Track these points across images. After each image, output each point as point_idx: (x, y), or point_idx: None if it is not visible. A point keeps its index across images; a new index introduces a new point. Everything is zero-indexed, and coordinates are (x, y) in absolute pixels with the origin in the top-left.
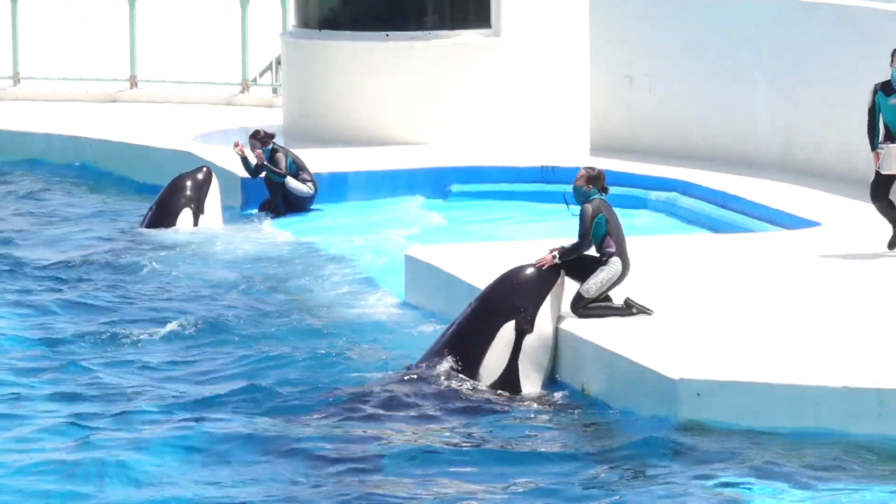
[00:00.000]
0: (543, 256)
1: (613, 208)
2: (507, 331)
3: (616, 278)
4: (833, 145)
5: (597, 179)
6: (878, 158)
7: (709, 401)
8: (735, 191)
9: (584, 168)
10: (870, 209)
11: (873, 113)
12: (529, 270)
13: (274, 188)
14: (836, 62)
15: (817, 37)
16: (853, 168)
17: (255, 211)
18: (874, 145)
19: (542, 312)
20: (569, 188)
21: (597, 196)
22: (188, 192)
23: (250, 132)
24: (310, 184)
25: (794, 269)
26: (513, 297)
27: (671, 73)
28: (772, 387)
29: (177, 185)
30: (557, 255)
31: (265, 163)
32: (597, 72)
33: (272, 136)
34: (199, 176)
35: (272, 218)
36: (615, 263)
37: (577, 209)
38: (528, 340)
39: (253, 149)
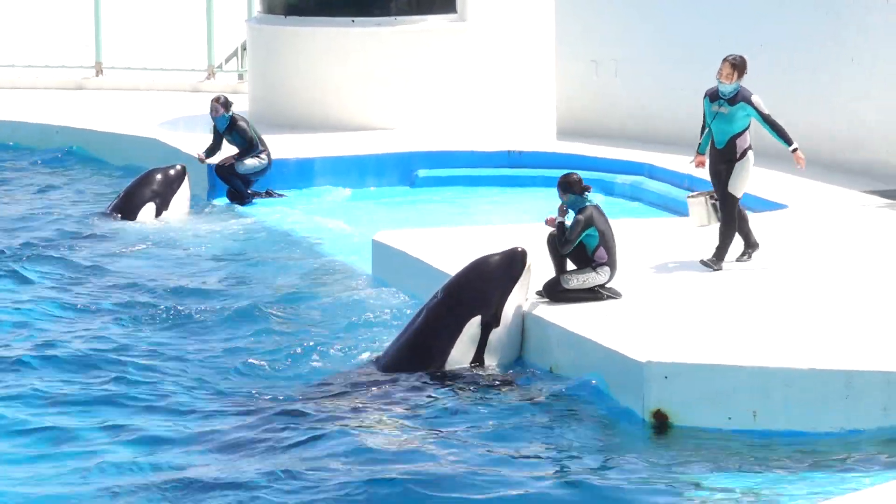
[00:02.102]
0: (552, 216)
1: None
2: (473, 325)
3: (598, 284)
4: (799, 128)
5: (572, 185)
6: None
7: (676, 383)
8: (702, 174)
9: (561, 178)
10: (836, 191)
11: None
12: (495, 261)
13: (228, 177)
14: (805, 45)
15: (786, 19)
16: (819, 151)
17: (226, 201)
18: (700, 149)
19: (507, 305)
20: (535, 173)
21: (588, 203)
22: (156, 187)
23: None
24: (262, 155)
25: (761, 252)
26: (478, 290)
27: (637, 57)
28: (739, 369)
29: (147, 178)
30: (557, 228)
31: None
32: (563, 56)
33: (231, 104)
34: (171, 173)
35: (240, 206)
36: (603, 273)
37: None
38: (495, 334)
39: (214, 112)
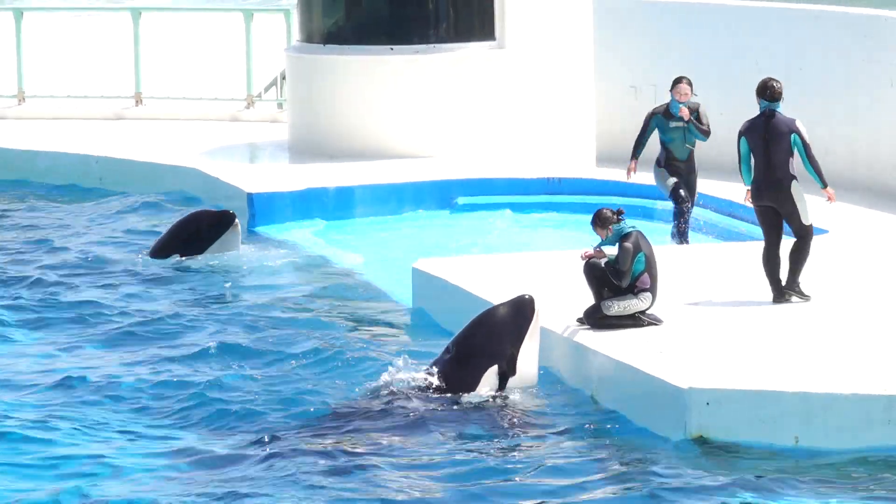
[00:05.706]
0: (591, 251)
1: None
2: (491, 375)
3: (639, 310)
4: (840, 153)
5: (608, 220)
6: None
7: (718, 409)
8: (738, 198)
9: (593, 216)
10: (877, 216)
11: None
12: (503, 312)
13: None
14: (842, 69)
15: (822, 44)
16: (860, 175)
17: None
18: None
19: (522, 352)
20: (576, 199)
21: (630, 229)
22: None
23: (676, 78)
24: None
25: (802, 277)
26: (491, 342)
27: None
28: (781, 395)
29: (194, 232)
30: (604, 262)
31: (691, 119)
32: (602, 82)
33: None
34: (219, 225)
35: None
36: (646, 299)
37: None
38: (512, 382)
39: (685, 95)
